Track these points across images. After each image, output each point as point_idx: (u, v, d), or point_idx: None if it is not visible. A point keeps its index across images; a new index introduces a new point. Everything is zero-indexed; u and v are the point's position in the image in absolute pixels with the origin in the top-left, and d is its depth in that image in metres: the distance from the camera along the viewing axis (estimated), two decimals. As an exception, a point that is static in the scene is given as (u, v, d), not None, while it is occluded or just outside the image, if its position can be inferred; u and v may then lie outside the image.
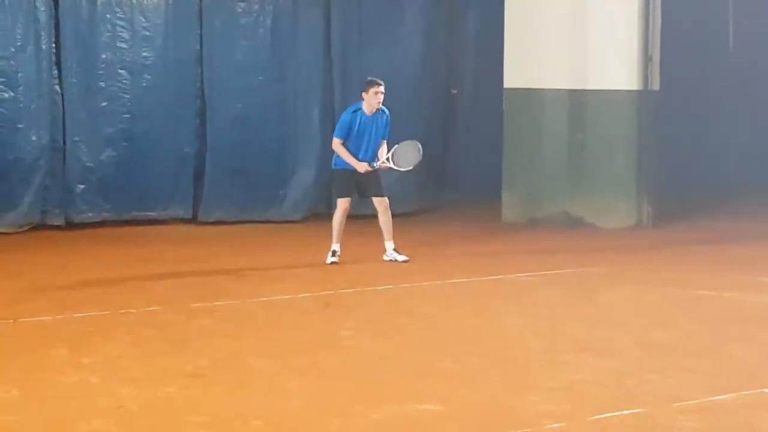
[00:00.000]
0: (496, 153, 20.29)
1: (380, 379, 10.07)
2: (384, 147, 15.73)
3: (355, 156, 15.65)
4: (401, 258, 15.81)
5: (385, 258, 15.85)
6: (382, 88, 15.70)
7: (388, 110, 15.87)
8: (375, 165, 15.67)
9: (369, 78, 16.08)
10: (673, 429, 8.65)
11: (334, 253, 15.74)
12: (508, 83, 20.08)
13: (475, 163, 21.25)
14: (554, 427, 8.56)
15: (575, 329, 12.38)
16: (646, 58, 19.47)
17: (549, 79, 19.72)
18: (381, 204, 15.86)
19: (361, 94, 15.91)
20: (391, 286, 14.40)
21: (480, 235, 18.83)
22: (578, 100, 19.61)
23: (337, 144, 15.78)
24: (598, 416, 8.83)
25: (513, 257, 16.73)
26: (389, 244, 15.92)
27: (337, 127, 15.98)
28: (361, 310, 13.19)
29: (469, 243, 18.07)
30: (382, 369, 10.44)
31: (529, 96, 19.87)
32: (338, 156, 15.81)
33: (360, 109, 15.79)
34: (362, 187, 15.85)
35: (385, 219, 15.87)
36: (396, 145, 15.80)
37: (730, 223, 20.48)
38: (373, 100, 15.66)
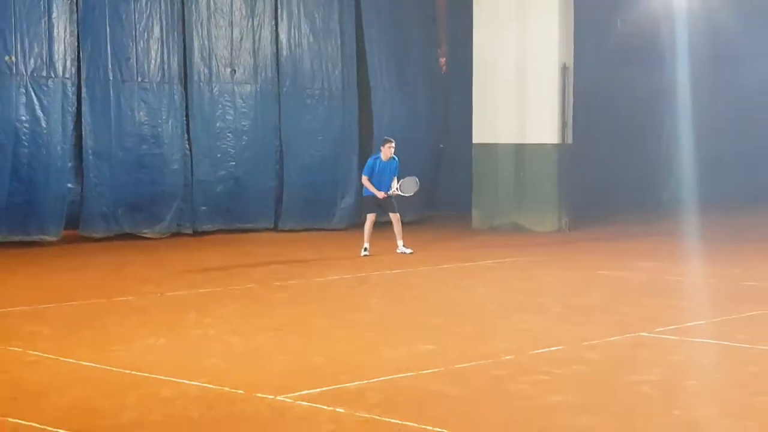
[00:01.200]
0: (468, 184, 20.31)
1: (395, 330, 10.04)
2: (395, 181, 15.84)
3: (377, 188, 15.79)
4: (408, 251, 15.92)
5: (398, 251, 15.92)
6: (392, 144, 15.90)
7: (398, 158, 16.00)
8: (389, 193, 15.84)
9: (384, 137, 16.36)
10: (581, 358, 8.63)
11: (365, 249, 15.78)
12: (475, 139, 20.15)
13: (454, 190, 21.30)
14: (507, 358, 8.60)
15: (521, 297, 12.39)
16: (563, 123, 19.52)
17: (502, 136, 19.80)
18: (394, 217, 15.99)
19: (379, 147, 16.09)
20: (400, 270, 14.39)
21: (457, 237, 18.78)
22: (521, 150, 19.68)
23: (365, 179, 15.93)
24: (535, 351, 8.88)
25: (479, 251, 16.65)
26: (400, 242, 16.01)
27: (365, 168, 16.11)
28: (383, 286, 13.16)
29: (450, 242, 18.04)
30: (396, 324, 10.45)
31: (489, 147, 19.92)
32: (366, 188, 15.93)
33: (379, 157, 15.95)
34: (382, 206, 15.96)
35: (397, 226, 16.01)
36: (403, 179, 15.97)
37: (621, 228, 20.43)
38: (387, 151, 15.86)
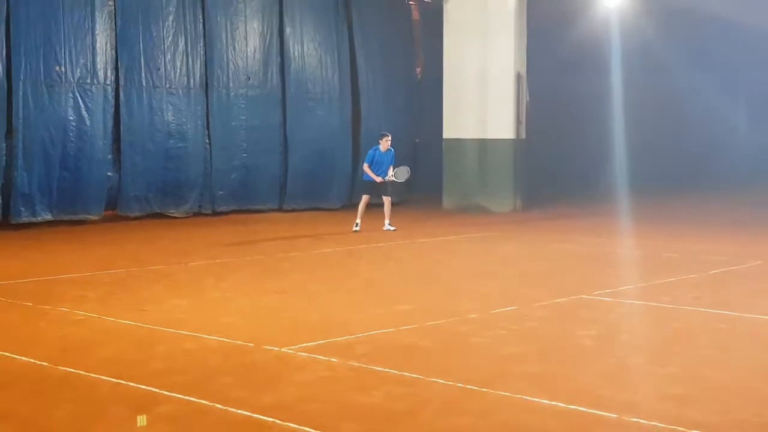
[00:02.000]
0: (439, 172, 20.34)
1: (379, 293, 10.06)
2: (391, 169, 15.76)
3: (376, 173, 15.71)
4: (392, 228, 15.85)
5: (384, 228, 15.80)
6: (389, 138, 15.88)
7: (393, 149, 15.96)
8: (385, 178, 15.76)
9: (382, 132, 16.38)
10: (533, 316, 8.65)
11: (356, 225, 15.73)
12: (445, 135, 20.20)
13: (427, 177, 21.30)
14: (471, 316, 8.60)
15: (484, 265, 12.45)
16: (518, 121, 19.58)
17: (467, 132, 19.86)
18: (386, 199, 15.90)
19: (377, 140, 16.04)
20: (384, 244, 14.37)
21: (430, 216, 18.73)
22: (483, 144, 19.72)
23: (366, 167, 15.85)
24: (495, 311, 8.89)
25: (449, 228, 16.62)
26: (387, 221, 15.90)
27: (366, 157, 16.03)
28: (369, 256, 13.15)
29: (425, 220, 17.99)
30: (380, 287, 10.45)
31: (456, 142, 19.98)
32: (365, 173, 15.84)
33: (378, 148, 15.87)
34: (378, 190, 15.87)
35: (387, 208, 15.91)
36: (397, 168, 15.89)
37: (566, 209, 20.52)
38: (384, 143, 15.81)
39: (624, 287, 10.42)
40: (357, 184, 20.28)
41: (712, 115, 27.44)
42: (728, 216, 18.83)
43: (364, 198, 15.93)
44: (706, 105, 27.20)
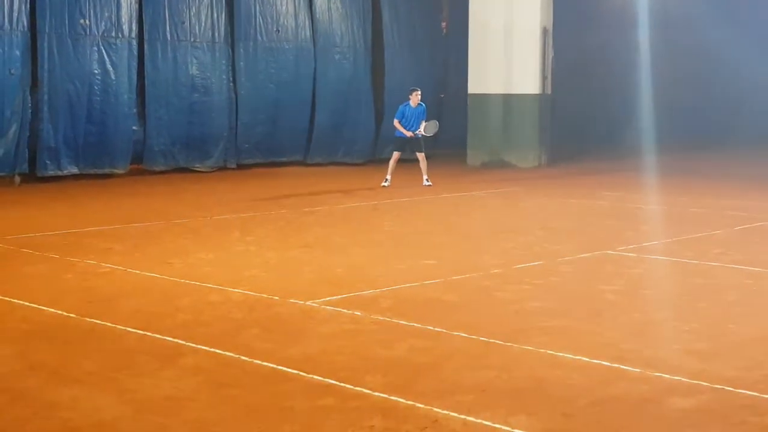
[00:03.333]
0: (463, 127, 20.23)
1: (403, 247, 10.05)
2: (422, 124, 15.68)
3: (407, 129, 15.65)
4: (429, 183, 15.78)
5: (423, 184, 15.73)
6: (419, 92, 15.83)
7: (424, 104, 15.89)
8: (416, 132, 15.68)
9: (411, 87, 16.24)
10: (557, 271, 8.65)
11: (386, 180, 15.70)
12: (470, 90, 20.05)
13: (452, 132, 21.17)
14: (495, 271, 8.60)
15: (508, 220, 12.46)
16: (543, 77, 19.43)
17: (492, 87, 19.70)
18: (420, 156, 15.85)
19: (407, 95, 15.97)
20: (408, 199, 14.34)
21: (455, 172, 18.55)
22: (507, 99, 19.58)
23: (396, 122, 15.79)
24: (519, 266, 8.89)
25: (473, 184, 16.55)
26: (425, 177, 15.85)
27: (397, 113, 15.90)
28: (393, 211, 13.07)
29: (449, 176, 17.80)
30: (404, 242, 10.43)
31: (481, 97, 19.81)
32: (396, 129, 15.76)
33: (408, 104, 15.78)
34: (410, 146, 15.84)
35: (422, 164, 15.85)
36: (426, 122, 15.79)
37: (590, 164, 20.39)
38: (414, 98, 15.73)
39: (649, 243, 10.37)
40: (381, 139, 20.27)
41: (740, 69, 27.07)
42: (755, 171, 18.64)
43: (395, 155, 15.86)
44: (733, 60, 26.82)
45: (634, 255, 9.57)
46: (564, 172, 18.53)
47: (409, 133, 15.65)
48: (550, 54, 19.47)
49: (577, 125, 24.13)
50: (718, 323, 6.80)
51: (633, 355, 5.91)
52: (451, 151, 20.78)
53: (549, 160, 19.62)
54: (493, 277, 8.39)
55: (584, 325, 6.77)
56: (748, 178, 17.44)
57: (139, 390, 5.30)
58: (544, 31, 19.34)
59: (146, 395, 5.22)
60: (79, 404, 5.09)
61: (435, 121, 16.16)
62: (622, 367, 5.67)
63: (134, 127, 17.30)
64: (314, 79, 19.52)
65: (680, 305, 7.46)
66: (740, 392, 5.22)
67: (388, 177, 15.76)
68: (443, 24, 22.72)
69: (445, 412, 4.91)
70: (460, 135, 20.36)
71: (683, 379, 5.44)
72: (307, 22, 19.44)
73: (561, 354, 5.94)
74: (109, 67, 16.67)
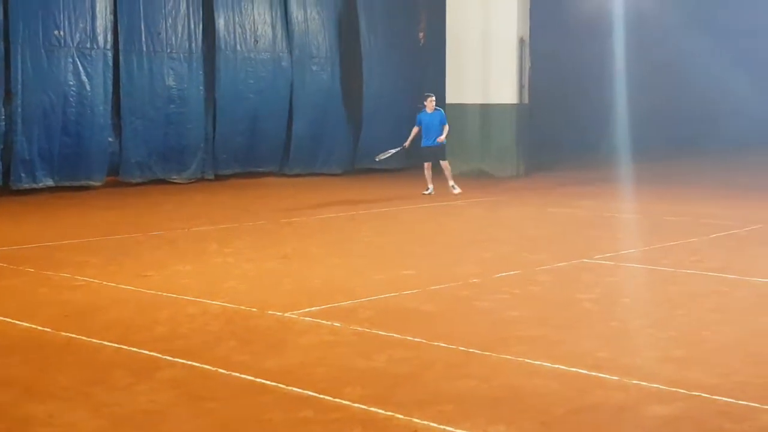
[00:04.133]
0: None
1: (382, 257, 10.07)
2: (445, 129, 15.66)
3: (426, 136, 15.67)
4: (458, 190, 15.83)
5: (452, 192, 15.79)
6: (433, 98, 15.89)
7: (442, 110, 16.06)
8: (434, 143, 15.74)
9: (426, 93, 16.35)
10: (535, 280, 8.67)
11: (429, 190, 15.81)
12: (448, 100, 20.05)
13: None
14: (474, 281, 8.61)
15: (486, 230, 12.42)
16: (521, 86, 19.50)
17: (470, 96, 19.73)
18: (443, 164, 15.95)
19: (423, 102, 16.05)
20: (386, 209, 14.36)
21: (433, 181, 18.62)
22: (485, 108, 19.63)
23: (415, 129, 15.79)
24: (497, 275, 8.91)
25: (451, 193, 16.67)
26: (451, 182, 15.93)
27: (417, 120, 15.93)
28: (371, 221, 13.05)
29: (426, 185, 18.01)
30: (383, 252, 10.44)
31: (459, 107, 19.78)
32: (424, 139, 15.75)
33: (424, 110, 15.80)
34: (434, 155, 15.86)
35: (447, 171, 15.93)
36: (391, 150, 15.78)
37: (567, 173, 20.44)
38: (429, 104, 15.74)
39: (625, 251, 10.41)
40: (360, 149, 20.25)
41: (714, 79, 27.31)
42: (729, 180, 18.78)
43: (426, 165, 15.83)
44: (708, 69, 27.06)
45: (611, 263, 9.60)
46: (541, 182, 18.58)
47: (406, 143, 15.71)
48: (527, 64, 19.55)
49: (554, 135, 24.22)
50: (695, 331, 6.84)
51: (610, 363, 5.93)
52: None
53: (526, 170, 19.66)
54: (471, 286, 8.40)
55: (562, 333, 6.79)
56: (722, 186, 17.56)
57: (115, 404, 5.26)
58: (521, 41, 19.42)
59: (123, 409, 5.19)
60: (55, 419, 5.05)
61: (388, 152, 16.01)
62: (599, 375, 5.69)
63: (110, 139, 17.21)
64: (291, 89, 19.49)
65: (657, 313, 7.50)
66: (716, 399, 5.26)
67: (430, 186, 15.78)
68: (421, 34, 22.76)
69: (425, 422, 4.91)
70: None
71: (660, 387, 5.46)
72: (283, 33, 19.43)
73: (539, 363, 5.95)
74: (84, 78, 16.59)
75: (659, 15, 25.09)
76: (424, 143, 15.83)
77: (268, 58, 19.18)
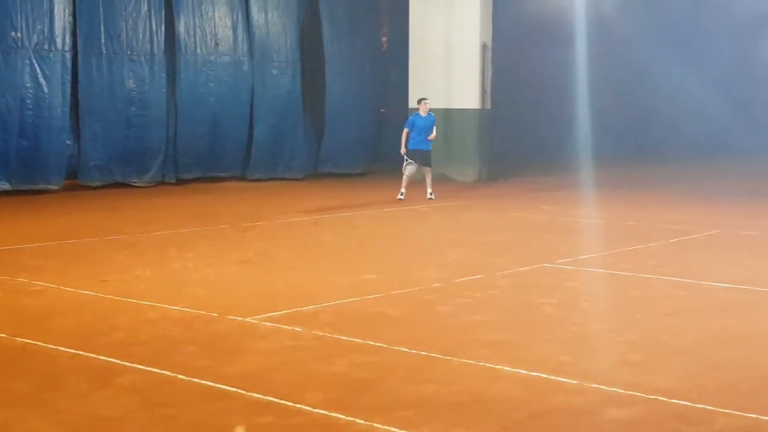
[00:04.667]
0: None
1: (344, 261, 10.04)
2: (434, 132, 15.72)
3: (416, 138, 15.65)
4: (433, 197, 15.86)
5: (427, 197, 15.85)
6: (427, 101, 15.92)
7: (433, 114, 16.06)
8: (425, 144, 15.75)
9: (420, 97, 16.37)
10: (496, 284, 8.71)
11: (402, 194, 15.72)
12: (411, 105, 20.03)
13: (395, 147, 21.20)
14: (436, 285, 8.65)
15: (448, 234, 12.47)
16: (483, 91, 19.62)
17: (433, 101, 19.60)
18: (429, 170, 15.96)
19: (416, 106, 16.18)
20: (348, 213, 14.38)
21: (396, 186, 18.62)
22: (448, 113, 19.69)
23: (405, 132, 15.75)
24: (460, 279, 8.94)
25: (414, 198, 16.47)
26: (430, 189, 15.96)
27: (407, 122, 15.92)
28: (334, 226, 13.08)
29: (390, 190, 17.90)
30: (345, 257, 10.43)
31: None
32: (409, 141, 15.69)
33: (418, 113, 15.79)
34: (420, 158, 15.80)
35: (429, 177, 15.93)
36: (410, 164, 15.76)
37: (529, 178, 20.61)
38: (423, 108, 15.74)
39: (586, 256, 10.51)
40: (322, 154, 20.27)
41: (675, 87, 27.64)
42: (689, 185, 19.03)
43: (408, 168, 15.78)
44: (669, 77, 27.39)
45: (572, 268, 9.68)
46: (503, 187, 18.69)
47: (403, 149, 15.66)
48: (490, 69, 19.67)
49: (517, 140, 24.39)
50: (653, 334, 6.91)
51: (570, 367, 5.98)
52: (392, 165, 20.83)
53: (489, 175, 19.78)
54: (433, 291, 8.42)
55: (523, 338, 6.84)
56: (681, 192, 17.79)
57: (72, 411, 5.21)
58: (484, 47, 19.55)
59: (80, 416, 5.14)
60: (11, 427, 4.99)
61: (414, 164, 15.83)
62: (559, 379, 5.74)
63: (68, 142, 17.06)
64: (252, 93, 19.47)
65: (616, 317, 7.57)
66: (674, 402, 5.32)
67: (403, 190, 15.68)
68: (383, 39, 22.83)
69: (386, 427, 4.92)
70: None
71: (619, 390, 5.52)
72: (245, 36, 19.39)
73: (500, 367, 5.99)
74: (41, 80, 16.43)
75: (621, 22, 25.35)
76: (415, 146, 15.76)
77: (229, 61, 19.14)
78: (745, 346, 6.61)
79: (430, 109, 16.15)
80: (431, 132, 15.74)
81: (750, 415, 5.11)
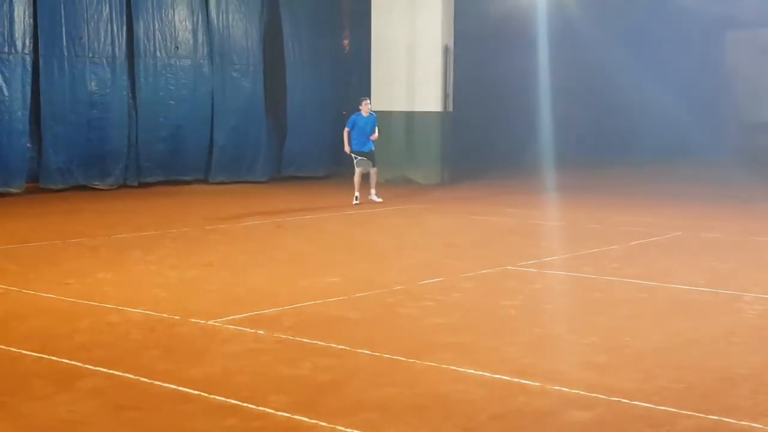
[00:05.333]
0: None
1: (306, 264, 10.01)
2: (376, 133, 15.68)
3: (358, 138, 15.59)
4: (378, 199, 15.79)
5: (370, 198, 15.82)
6: (367, 101, 15.89)
7: (375, 114, 16.00)
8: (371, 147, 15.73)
9: (361, 97, 16.27)
10: (459, 287, 8.74)
11: (356, 198, 15.68)
12: (373, 107, 20.09)
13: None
14: (398, 288, 8.64)
15: (411, 237, 12.52)
16: (445, 94, 19.69)
17: (395, 104, 19.86)
18: (372, 170, 15.91)
19: (358, 106, 15.93)
20: (310, 216, 14.36)
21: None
22: (410, 116, 19.78)
23: (346, 132, 15.67)
24: (422, 282, 8.95)
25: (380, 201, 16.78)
26: (373, 190, 15.91)
27: (348, 122, 15.79)
28: (296, 229, 13.05)
29: (352, 192, 18.00)
30: (307, 260, 10.40)
31: (384, 114, 19.77)
32: (352, 141, 15.61)
33: (360, 113, 15.71)
34: (368, 160, 15.80)
35: (374, 178, 15.85)
36: (361, 157, 15.67)
37: (492, 181, 20.69)
38: (364, 108, 15.69)
39: (548, 258, 10.58)
40: (285, 157, 20.25)
41: (637, 90, 27.88)
42: (651, 188, 19.21)
43: (357, 171, 15.71)
44: (631, 81, 27.61)
45: (535, 270, 9.75)
46: (466, 189, 18.75)
47: (347, 149, 15.61)
48: (452, 72, 19.74)
49: (479, 143, 24.49)
50: (615, 336, 6.97)
51: (533, 369, 6.02)
52: (353, 167, 20.86)
53: (451, 177, 19.85)
54: (396, 294, 8.43)
55: (486, 340, 6.87)
56: (643, 195, 17.95)
57: (34, 414, 5.17)
58: (446, 49, 19.61)
59: (42, 420, 5.10)
60: (-29, 431, 4.95)
61: (368, 160, 15.89)
62: (522, 381, 5.78)
63: (28, 145, 16.92)
64: (212, 96, 19.42)
65: (579, 319, 7.63)
66: (636, 404, 5.38)
67: (357, 193, 15.67)
68: (345, 42, 22.83)
69: (349, 430, 4.93)
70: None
71: (581, 392, 5.57)
72: (205, 39, 19.32)
73: (463, 369, 6.01)
74: (1, 83, 16.28)
75: (583, 25, 25.53)
76: (358, 147, 15.72)
77: (189, 64, 19.08)
78: (707, 348, 6.70)
79: (372, 110, 16.15)
80: (373, 132, 15.71)
81: (711, 417, 5.17)
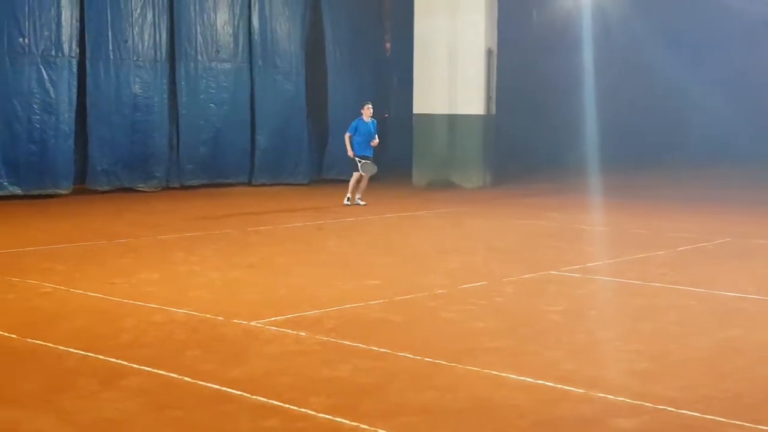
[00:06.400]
0: (409, 147, 20.33)
1: (348, 267, 10.05)
2: (376, 139, 15.67)
3: (359, 143, 15.57)
4: (363, 203, 15.79)
5: (356, 202, 15.77)
6: (370, 105, 15.79)
7: (376, 120, 15.95)
8: (355, 157, 15.60)
9: (364, 101, 16.23)
10: (501, 291, 8.69)
11: (348, 199, 15.72)
12: (415, 110, 20.19)
13: (399, 153, 21.26)
14: (440, 292, 8.63)
15: (452, 241, 12.46)
16: (488, 97, 19.63)
17: (437, 107, 19.86)
18: (366, 175, 15.81)
19: (360, 111, 15.91)
20: (353, 219, 14.38)
21: (400, 192, 18.63)
22: (452, 119, 19.75)
23: (347, 136, 15.69)
24: (463, 286, 8.92)
25: (418, 204, 16.62)
26: (359, 195, 15.83)
27: (349, 128, 15.80)
28: (338, 231, 13.06)
29: (395, 196, 17.88)
30: (349, 262, 10.44)
31: (426, 117, 19.98)
32: (353, 146, 15.61)
33: (361, 118, 15.73)
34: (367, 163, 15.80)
35: (363, 182, 15.82)
36: (364, 162, 15.61)
37: (535, 184, 20.55)
38: (365, 113, 15.66)
39: (592, 263, 10.48)
40: (327, 160, 20.30)
41: (683, 92, 27.58)
42: (697, 193, 18.98)
43: (355, 175, 15.73)
44: (676, 82, 27.33)
45: (578, 276, 9.66)
46: (508, 193, 18.67)
47: (350, 152, 15.62)
48: (495, 75, 19.68)
49: (521, 146, 24.36)
50: (660, 344, 6.89)
51: (576, 376, 5.96)
52: (396, 171, 20.90)
53: (493, 181, 19.79)
54: (437, 297, 8.41)
55: (528, 345, 6.83)
56: (689, 199, 17.74)
57: (80, 412, 5.23)
58: (489, 52, 19.55)
59: (87, 417, 5.15)
60: (20, 426, 5.01)
61: (373, 164, 15.91)
62: (565, 387, 5.73)
63: (74, 147, 17.13)
64: (253, 99, 19.53)
65: (623, 326, 7.55)
66: (681, 412, 5.30)
67: (349, 195, 15.71)
68: (387, 45, 22.85)
69: (390, 433, 4.92)
70: (405, 155, 20.45)
71: (625, 400, 5.50)
72: (246, 43, 19.45)
73: (505, 374, 5.98)
74: (48, 86, 16.52)
75: (628, 27, 25.32)
76: (359, 152, 15.66)
77: (230, 68, 19.23)
78: (754, 357, 6.59)
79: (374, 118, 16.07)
80: (374, 138, 15.70)
81: (761, 427, 5.06)
